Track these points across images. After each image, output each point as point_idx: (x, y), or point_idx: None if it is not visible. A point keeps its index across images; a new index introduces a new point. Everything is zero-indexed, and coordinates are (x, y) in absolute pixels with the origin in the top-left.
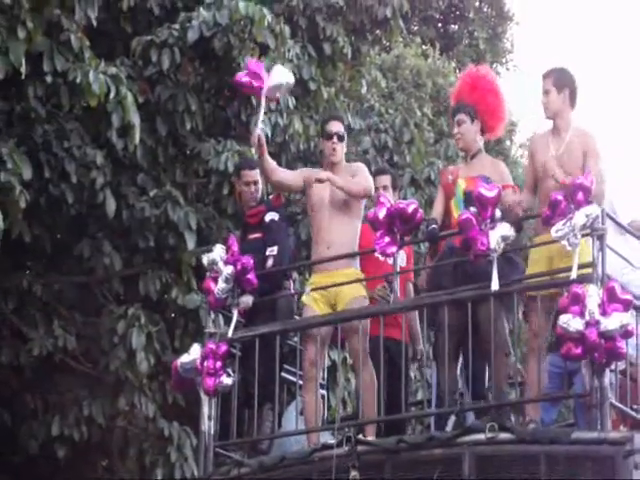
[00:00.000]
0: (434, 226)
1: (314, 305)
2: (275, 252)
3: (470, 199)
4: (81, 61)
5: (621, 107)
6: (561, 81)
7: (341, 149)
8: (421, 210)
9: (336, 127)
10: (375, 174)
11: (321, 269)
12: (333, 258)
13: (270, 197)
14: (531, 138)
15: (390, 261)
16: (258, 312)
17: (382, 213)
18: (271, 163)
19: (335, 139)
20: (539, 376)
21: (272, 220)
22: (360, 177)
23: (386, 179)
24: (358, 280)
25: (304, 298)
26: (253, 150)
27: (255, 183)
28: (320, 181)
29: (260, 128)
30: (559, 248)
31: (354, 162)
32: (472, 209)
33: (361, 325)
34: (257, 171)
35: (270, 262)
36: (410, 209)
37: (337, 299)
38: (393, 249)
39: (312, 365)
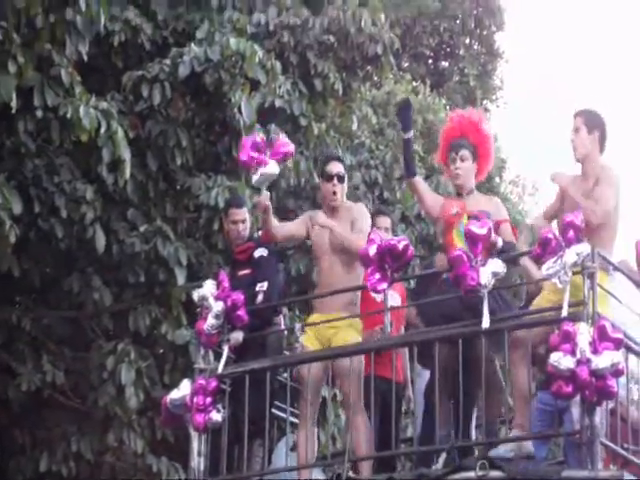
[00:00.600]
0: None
1: (311, 346)
2: (265, 288)
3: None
4: (72, 96)
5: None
6: (593, 122)
7: (341, 190)
8: (412, 247)
9: (336, 168)
10: (375, 214)
11: (320, 310)
12: (319, 295)
13: (259, 233)
14: (559, 174)
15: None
16: (248, 348)
17: (372, 250)
18: (275, 224)
19: (335, 181)
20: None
21: (261, 256)
22: (361, 225)
23: (386, 221)
24: (353, 316)
25: (303, 338)
26: (257, 210)
27: (243, 222)
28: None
29: (264, 193)
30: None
31: (354, 202)
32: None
33: (351, 367)
34: (244, 209)
35: (260, 297)
36: (401, 246)
37: (331, 343)
38: (384, 285)
39: (307, 404)
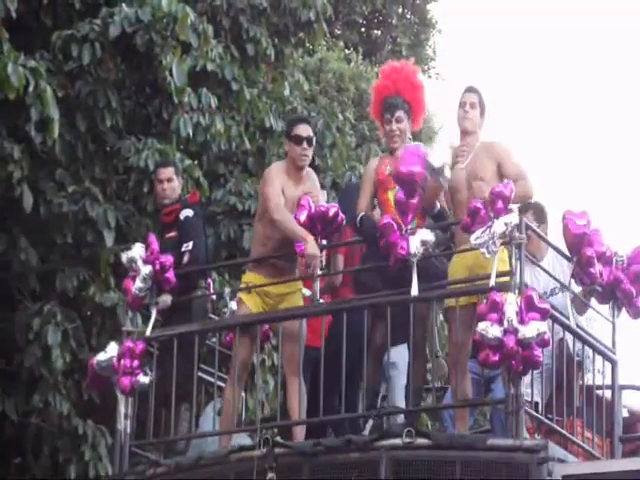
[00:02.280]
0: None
1: (252, 305)
2: (190, 247)
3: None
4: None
5: (541, 116)
6: (483, 103)
7: (310, 154)
8: (342, 214)
9: (306, 131)
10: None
11: (265, 271)
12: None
13: (187, 195)
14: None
15: None
16: (174, 311)
17: (303, 216)
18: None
19: (305, 144)
20: (462, 388)
21: (186, 217)
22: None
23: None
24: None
25: (242, 294)
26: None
27: (168, 180)
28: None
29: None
30: (478, 258)
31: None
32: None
33: (285, 331)
34: (170, 169)
35: (186, 258)
36: (331, 212)
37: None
38: None
39: (243, 366)
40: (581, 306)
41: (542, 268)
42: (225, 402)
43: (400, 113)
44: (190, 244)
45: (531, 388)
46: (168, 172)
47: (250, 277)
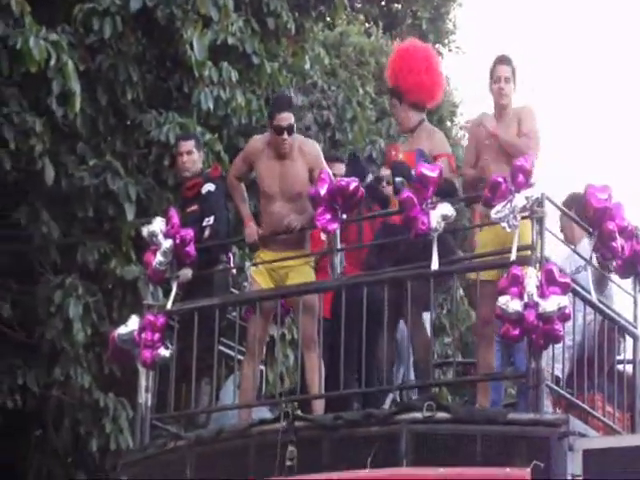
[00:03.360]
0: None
1: (261, 280)
2: (211, 222)
3: (396, 169)
4: (21, 27)
5: (563, 89)
6: (516, 75)
7: (291, 141)
8: (362, 188)
9: (286, 121)
10: (331, 161)
11: (272, 247)
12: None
13: (208, 169)
14: (472, 127)
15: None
16: (195, 285)
17: (323, 190)
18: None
19: (285, 135)
20: (487, 360)
21: (208, 191)
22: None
23: (340, 168)
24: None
25: (253, 271)
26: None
27: (188, 153)
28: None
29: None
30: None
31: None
32: (397, 179)
33: (302, 305)
34: (191, 142)
35: (207, 233)
36: (351, 187)
37: (285, 281)
38: (334, 225)
39: (256, 340)
40: (601, 281)
41: (565, 243)
42: (242, 377)
43: (392, 100)
44: (212, 219)
45: (558, 362)
46: (189, 145)
47: (261, 254)
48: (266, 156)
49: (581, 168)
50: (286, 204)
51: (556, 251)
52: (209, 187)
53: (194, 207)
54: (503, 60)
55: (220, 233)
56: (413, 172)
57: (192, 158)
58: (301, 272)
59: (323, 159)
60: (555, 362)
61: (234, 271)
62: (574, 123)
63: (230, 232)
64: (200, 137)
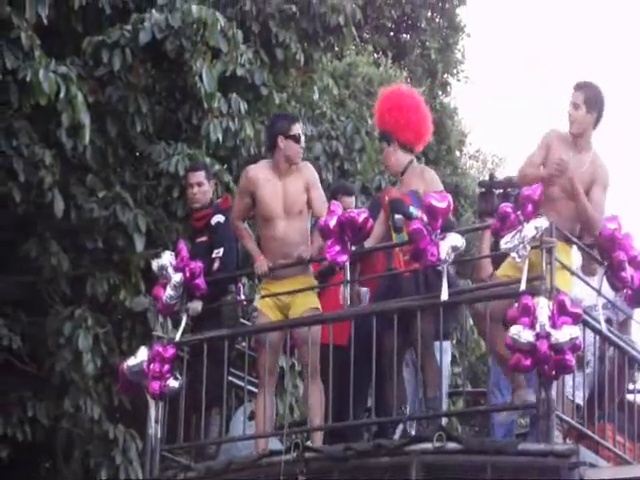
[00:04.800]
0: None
1: (269, 312)
2: (221, 254)
3: (394, 207)
4: (31, 59)
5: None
6: (593, 100)
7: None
8: (371, 220)
9: (299, 131)
10: (342, 194)
11: (276, 275)
12: (286, 265)
13: (218, 200)
14: (551, 133)
15: None
16: (204, 316)
17: (333, 222)
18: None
19: (302, 143)
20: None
21: (218, 222)
22: (319, 189)
23: (349, 201)
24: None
25: (259, 303)
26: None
27: (198, 185)
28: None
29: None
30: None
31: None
32: (396, 217)
33: (310, 336)
34: (200, 173)
35: (216, 264)
36: (361, 218)
37: (290, 309)
38: (344, 257)
39: (267, 372)
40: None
41: (577, 275)
42: (256, 409)
43: (381, 144)
44: (221, 250)
45: (578, 389)
46: (198, 176)
47: (264, 285)
48: (266, 179)
49: None
50: (289, 224)
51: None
52: (219, 218)
53: (203, 238)
54: (576, 86)
55: (229, 264)
56: (411, 210)
57: (202, 189)
58: (304, 298)
59: (318, 179)
60: (575, 390)
61: (244, 302)
62: None
63: (239, 263)
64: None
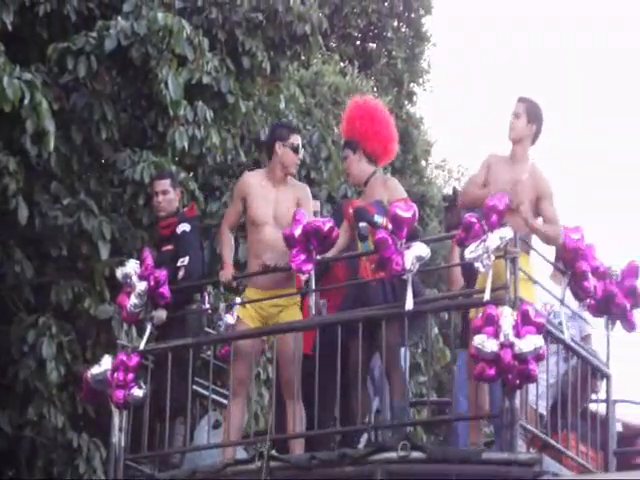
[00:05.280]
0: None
1: (249, 322)
2: (186, 262)
3: (358, 215)
4: None
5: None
6: (534, 113)
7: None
8: (337, 229)
9: (299, 141)
10: None
11: (258, 284)
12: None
13: (184, 209)
14: (490, 156)
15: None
16: (169, 325)
17: (298, 231)
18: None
19: (300, 155)
20: (480, 400)
21: (184, 231)
22: (311, 209)
23: (316, 205)
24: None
25: (239, 312)
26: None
27: (164, 193)
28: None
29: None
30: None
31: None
32: (361, 225)
33: (295, 353)
34: (166, 181)
35: (181, 273)
36: (326, 227)
37: (276, 322)
38: (309, 266)
39: (240, 383)
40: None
41: (540, 284)
42: (227, 417)
43: (345, 152)
44: (186, 259)
45: (541, 399)
46: (164, 184)
47: (247, 292)
48: (260, 185)
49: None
50: (278, 233)
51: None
52: (184, 227)
53: (169, 246)
54: (520, 98)
55: (194, 274)
56: (376, 218)
57: (167, 198)
58: (291, 312)
59: (311, 200)
60: (539, 399)
61: (209, 311)
62: (546, 158)
63: (205, 272)
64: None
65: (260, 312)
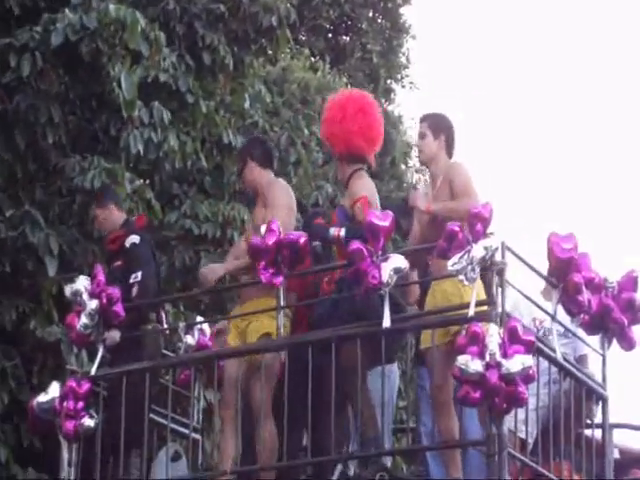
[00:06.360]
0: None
1: (231, 342)
2: (139, 278)
3: (311, 234)
4: None
5: (521, 124)
6: (438, 126)
7: None
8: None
9: None
10: None
11: (240, 299)
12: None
13: (133, 218)
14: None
15: None
16: (123, 348)
17: (271, 240)
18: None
19: None
20: (448, 429)
21: (133, 244)
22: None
23: None
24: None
25: (228, 336)
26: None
27: (96, 217)
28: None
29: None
30: (456, 286)
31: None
32: (315, 244)
33: (263, 367)
34: (99, 201)
35: (135, 290)
36: (301, 241)
37: (246, 335)
38: (279, 279)
39: (226, 408)
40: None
41: (527, 297)
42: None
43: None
44: (139, 274)
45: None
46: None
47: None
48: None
49: (541, 213)
50: None
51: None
52: (133, 239)
53: (119, 262)
54: (421, 118)
55: (148, 290)
56: (331, 231)
57: (100, 219)
58: (257, 323)
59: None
60: (521, 425)
61: (167, 331)
62: (529, 161)
63: (161, 288)
64: (127, 184)
65: (236, 328)
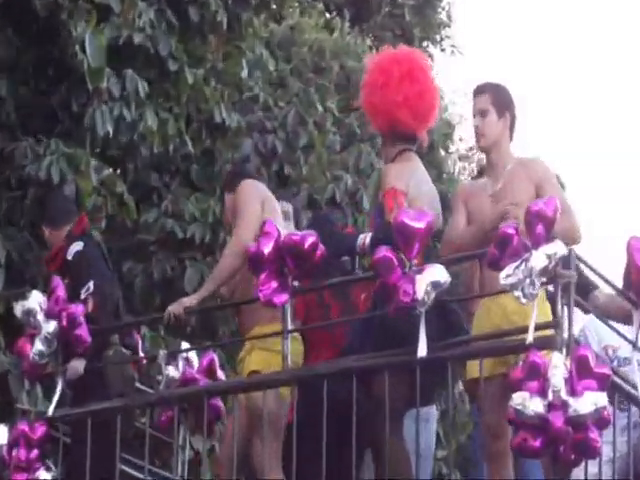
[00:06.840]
0: None
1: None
2: (91, 289)
3: (334, 248)
4: None
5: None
6: (503, 101)
7: None
8: (322, 245)
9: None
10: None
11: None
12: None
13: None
14: (458, 189)
15: None
16: (87, 381)
17: (268, 248)
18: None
19: None
20: None
21: (76, 253)
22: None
23: (287, 207)
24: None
25: None
26: None
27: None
28: None
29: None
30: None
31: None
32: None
33: (265, 411)
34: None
35: (91, 305)
36: (308, 244)
37: (241, 371)
38: (284, 297)
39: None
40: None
41: (604, 321)
42: None
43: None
44: (90, 284)
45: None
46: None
47: None
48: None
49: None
50: None
51: None
52: (75, 247)
53: (65, 280)
54: (476, 90)
55: (107, 298)
56: (359, 240)
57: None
58: (249, 359)
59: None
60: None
61: (144, 360)
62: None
63: (136, 306)
64: (92, 172)
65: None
